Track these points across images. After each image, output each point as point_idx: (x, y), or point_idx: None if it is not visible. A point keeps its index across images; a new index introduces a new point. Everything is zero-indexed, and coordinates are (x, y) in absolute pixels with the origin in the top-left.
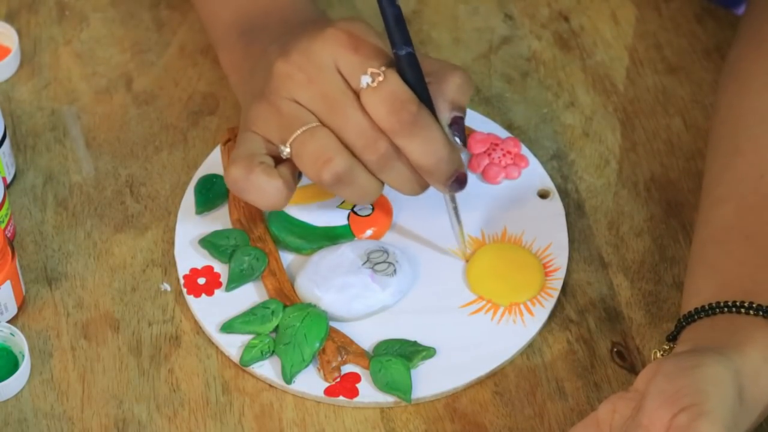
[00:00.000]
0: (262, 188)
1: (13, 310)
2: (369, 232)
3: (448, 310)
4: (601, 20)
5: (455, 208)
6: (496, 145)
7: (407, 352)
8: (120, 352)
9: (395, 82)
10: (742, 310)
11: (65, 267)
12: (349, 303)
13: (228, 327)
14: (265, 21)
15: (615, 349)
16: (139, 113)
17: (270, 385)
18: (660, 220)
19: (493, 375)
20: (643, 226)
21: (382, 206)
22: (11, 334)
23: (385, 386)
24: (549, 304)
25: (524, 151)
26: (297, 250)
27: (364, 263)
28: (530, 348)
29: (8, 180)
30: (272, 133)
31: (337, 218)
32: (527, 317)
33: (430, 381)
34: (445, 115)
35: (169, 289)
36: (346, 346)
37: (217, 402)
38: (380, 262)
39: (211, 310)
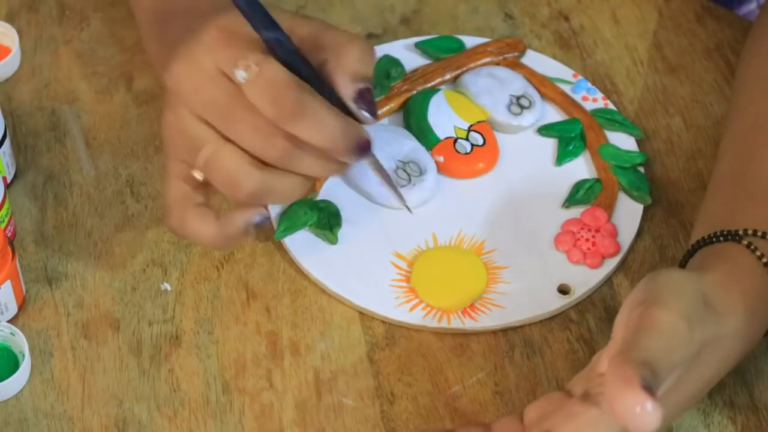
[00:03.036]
0: (201, 235)
1: (13, 309)
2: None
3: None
4: (601, 20)
5: (379, 169)
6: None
7: None
8: (120, 351)
9: (271, 69)
10: (714, 240)
11: (65, 267)
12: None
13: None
14: (174, 9)
15: None
16: (140, 113)
17: (270, 385)
18: (660, 220)
19: (493, 375)
20: (643, 226)
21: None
22: (11, 333)
23: None
24: None
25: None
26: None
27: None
28: (530, 348)
29: (8, 180)
30: (184, 156)
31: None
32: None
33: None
34: (348, 91)
35: (169, 288)
36: None
37: (217, 402)
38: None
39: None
